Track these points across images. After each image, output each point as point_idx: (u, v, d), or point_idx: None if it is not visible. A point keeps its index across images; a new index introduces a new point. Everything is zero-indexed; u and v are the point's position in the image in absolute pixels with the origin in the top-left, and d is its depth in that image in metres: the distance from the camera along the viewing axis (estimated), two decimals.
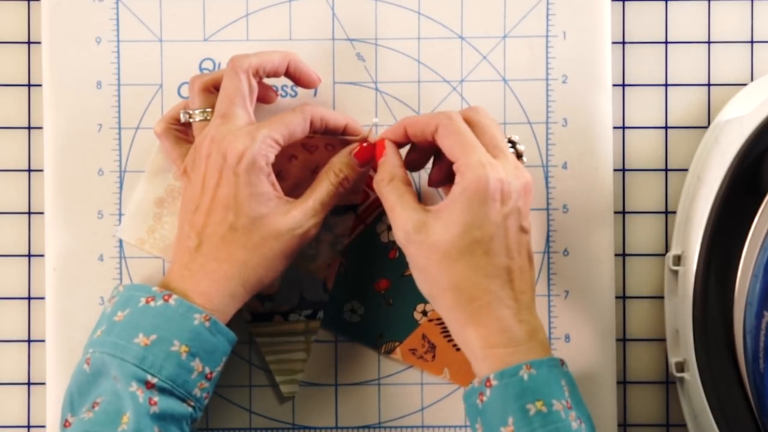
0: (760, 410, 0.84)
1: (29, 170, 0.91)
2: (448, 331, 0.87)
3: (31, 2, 0.91)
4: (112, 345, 0.79)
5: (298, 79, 0.86)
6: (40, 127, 0.91)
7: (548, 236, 0.90)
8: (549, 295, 0.90)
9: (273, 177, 0.82)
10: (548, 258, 0.90)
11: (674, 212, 0.90)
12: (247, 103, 0.83)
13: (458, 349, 0.87)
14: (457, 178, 0.79)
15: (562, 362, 0.79)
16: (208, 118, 0.84)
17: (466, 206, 0.78)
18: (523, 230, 0.80)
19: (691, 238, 0.86)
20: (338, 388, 0.90)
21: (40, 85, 0.91)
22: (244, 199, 0.80)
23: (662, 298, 0.90)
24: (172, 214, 0.89)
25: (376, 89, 0.90)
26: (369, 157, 0.85)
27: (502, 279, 0.79)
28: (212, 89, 0.84)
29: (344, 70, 0.90)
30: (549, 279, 0.90)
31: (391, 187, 0.82)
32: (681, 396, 0.88)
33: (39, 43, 0.91)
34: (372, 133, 0.86)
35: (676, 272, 0.87)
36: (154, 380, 0.78)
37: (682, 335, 0.86)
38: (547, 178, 0.90)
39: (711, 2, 0.91)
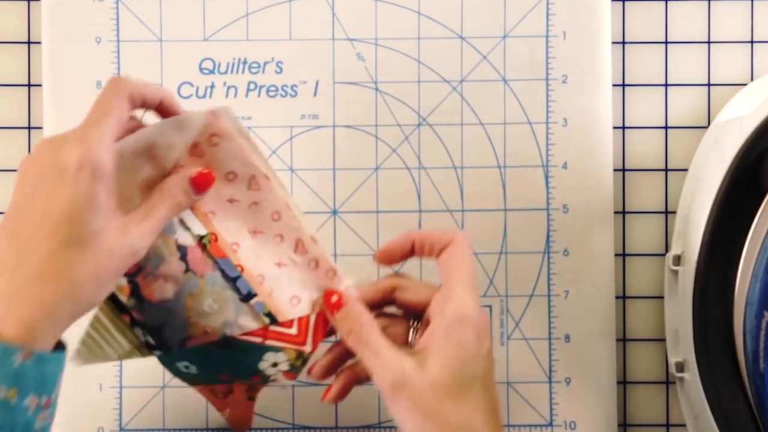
0: (760, 410, 0.84)
1: None
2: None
3: (31, 2, 0.91)
4: None
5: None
6: (40, 127, 0.91)
7: (548, 236, 0.90)
8: (549, 295, 0.90)
9: (112, 185, 0.73)
10: (548, 258, 0.90)
11: (674, 212, 0.90)
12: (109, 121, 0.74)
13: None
14: (448, 309, 0.76)
15: None
16: None
17: (459, 342, 0.75)
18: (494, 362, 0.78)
19: (691, 238, 0.86)
20: None
21: (40, 85, 0.91)
22: (82, 212, 0.71)
23: (662, 298, 0.90)
24: None
25: (376, 89, 0.90)
26: (206, 186, 0.78)
27: (497, 415, 0.76)
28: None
29: (344, 70, 0.90)
30: (549, 279, 0.90)
31: (363, 341, 0.78)
32: (681, 396, 0.88)
33: (39, 43, 0.91)
34: (211, 119, 0.79)
35: (676, 272, 0.87)
36: None
37: (682, 335, 0.86)
38: (547, 178, 0.90)
39: (711, 2, 0.91)
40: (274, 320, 0.82)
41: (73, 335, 0.77)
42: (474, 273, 0.77)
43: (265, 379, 0.83)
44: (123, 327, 0.81)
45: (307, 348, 0.83)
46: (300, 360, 0.83)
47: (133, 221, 0.74)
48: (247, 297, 0.82)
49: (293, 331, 0.83)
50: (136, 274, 0.80)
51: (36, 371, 0.70)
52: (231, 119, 0.80)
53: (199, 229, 0.81)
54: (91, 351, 0.82)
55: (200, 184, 0.78)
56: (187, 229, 0.81)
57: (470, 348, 0.75)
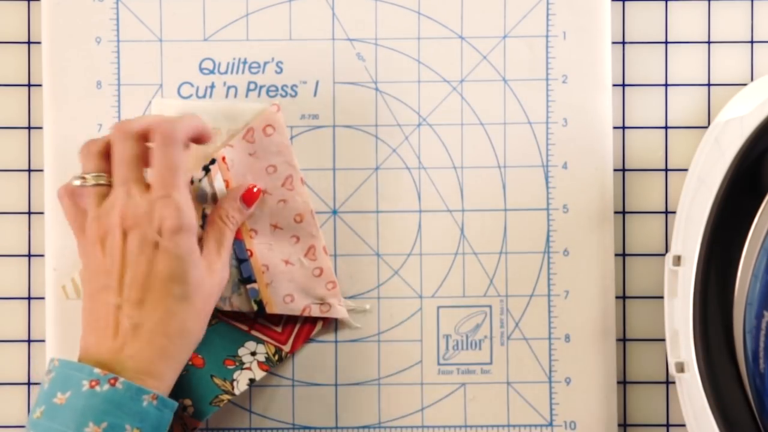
0: (760, 410, 0.84)
1: (29, 170, 0.91)
2: None
3: (31, 2, 0.91)
4: None
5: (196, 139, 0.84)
6: (40, 127, 0.91)
7: (548, 236, 0.90)
8: (549, 295, 0.90)
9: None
10: (548, 258, 0.90)
11: (674, 212, 0.90)
12: (141, 166, 0.81)
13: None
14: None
15: None
16: (101, 182, 0.82)
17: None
18: None
19: (691, 238, 0.86)
20: (338, 388, 0.90)
21: (40, 85, 0.91)
22: (186, 269, 0.80)
23: (662, 298, 0.90)
24: None
25: (376, 89, 0.90)
26: (254, 199, 0.86)
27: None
28: (106, 155, 0.82)
29: (344, 70, 0.90)
30: (549, 279, 0.90)
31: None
32: (681, 396, 0.88)
33: (39, 43, 0.91)
34: (273, 110, 0.87)
35: (676, 272, 0.87)
36: None
37: (682, 335, 0.86)
38: (547, 178, 0.90)
39: (711, 2, 0.91)
40: (262, 309, 0.88)
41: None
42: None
43: (240, 365, 0.88)
44: None
45: (287, 348, 0.89)
46: (277, 356, 0.89)
47: (213, 257, 0.83)
48: (245, 280, 0.88)
49: (278, 329, 0.90)
50: None
51: (156, 414, 0.78)
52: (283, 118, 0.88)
53: None
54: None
55: (249, 198, 0.87)
56: (216, 203, 0.87)
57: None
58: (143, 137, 0.81)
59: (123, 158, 0.81)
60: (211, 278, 0.82)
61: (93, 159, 0.82)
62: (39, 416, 0.78)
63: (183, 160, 0.81)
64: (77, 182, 0.82)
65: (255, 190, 0.87)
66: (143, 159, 0.81)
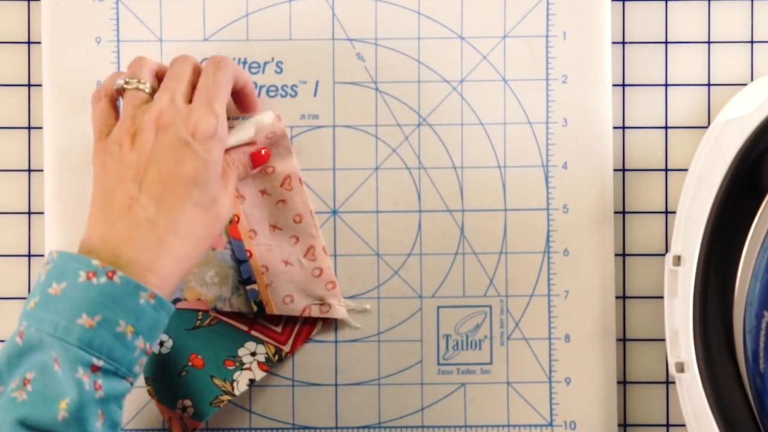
0: (760, 410, 0.84)
1: (29, 170, 0.91)
2: None
3: (31, 2, 0.91)
4: (52, 324, 0.75)
5: (241, 101, 0.87)
6: (40, 127, 0.91)
7: (548, 236, 0.90)
8: (549, 295, 0.90)
9: None
10: (548, 258, 0.90)
11: (674, 212, 0.90)
12: (190, 86, 0.83)
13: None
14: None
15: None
16: (140, 88, 0.82)
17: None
18: None
19: (691, 238, 0.86)
20: (338, 388, 0.90)
21: (40, 85, 0.91)
22: (210, 177, 0.79)
23: (662, 298, 0.90)
24: None
25: (376, 89, 0.90)
26: (262, 162, 0.86)
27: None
28: (156, 74, 0.84)
29: (344, 70, 0.90)
30: (549, 279, 0.90)
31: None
32: (681, 396, 0.88)
33: (39, 43, 0.91)
34: (275, 120, 0.88)
35: (676, 272, 0.87)
36: (100, 363, 0.75)
37: (682, 335, 0.86)
38: (547, 178, 0.90)
39: (711, 2, 0.91)
40: (262, 309, 0.88)
41: None
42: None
43: (240, 366, 0.88)
44: None
45: (287, 348, 0.89)
46: (277, 356, 0.89)
47: (227, 191, 0.82)
48: (245, 281, 0.88)
49: (278, 329, 0.90)
50: None
51: (152, 315, 0.77)
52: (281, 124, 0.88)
53: None
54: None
55: (257, 160, 0.86)
56: None
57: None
58: (200, 71, 0.84)
59: (176, 74, 0.83)
60: (226, 205, 0.81)
61: (142, 70, 0.83)
62: (33, 307, 0.76)
63: (228, 86, 0.83)
64: (120, 81, 0.83)
65: (263, 152, 0.87)
66: (194, 84, 0.83)
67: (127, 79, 0.83)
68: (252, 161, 0.86)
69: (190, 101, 0.82)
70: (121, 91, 0.83)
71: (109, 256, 0.77)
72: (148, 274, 0.77)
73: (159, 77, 0.84)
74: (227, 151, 0.84)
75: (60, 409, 0.74)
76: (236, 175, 0.85)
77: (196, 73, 0.84)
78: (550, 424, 0.90)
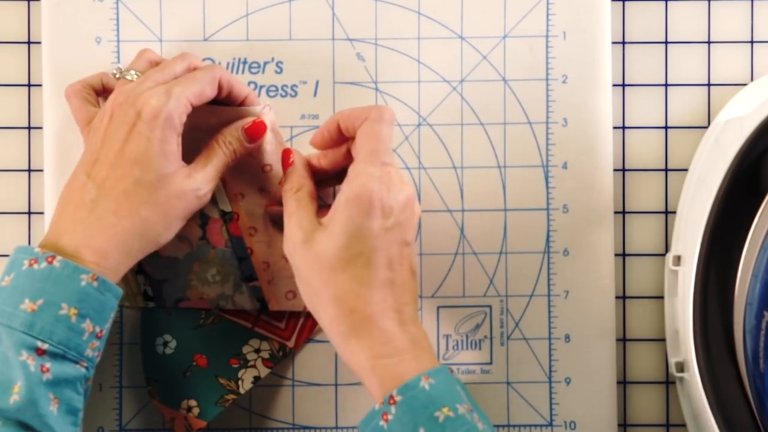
0: (760, 410, 0.84)
1: (29, 170, 0.91)
2: None
3: (31, 2, 0.91)
4: (0, 313, 0.77)
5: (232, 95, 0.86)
6: (40, 127, 0.91)
7: (548, 236, 0.90)
8: (549, 295, 0.90)
9: (180, 137, 0.81)
10: (548, 258, 0.90)
11: (674, 212, 0.90)
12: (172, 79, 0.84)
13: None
14: (344, 185, 0.80)
15: (450, 370, 0.80)
16: (128, 78, 0.83)
17: (348, 218, 0.79)
18: (406, 244, 0.80)
19: (691, 238, 0.86)
20: (338, 388, 0.90)
21: (40, 85, 0.91)
22: (154, 155, 0.79)
23: (662, 298, 0.90)
24: None
25: (376, 89, 0.90)
26: (258, 135, 0.85)
27: (384, 291, 0.79)
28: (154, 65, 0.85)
29: (344, 70, 0.90)
30: (549, 279, 0.90)
31: (296, 196, 0.82)
32: (681, 396, 0.88)
33: (39, 43, 0.91)
34: (266, 111, 0.86)
35: (676, 272, 0.87)
36: (45, 346, 0.76)
37: (682, 335, 0.86)
38: (547, 178, 0.90)
39: (711, 2, 0.91)
40: (265, 306, 0.89)
41: None
42: (384, 147, 0.81)
43: (244, 363, 0.88)
44: (128, 272, 0.85)
45: (291, 343, 0.90)
46: (281, 352, 0.89)
47: (197, 168, 0.82)
48: (247, 278, 0.88)
49: (282, 325, 0.90)
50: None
51: (97, 297, 0.78)
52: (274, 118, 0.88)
53: (226, 206, 0.88)
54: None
55: (253, 133, 0.85)
56: (215, 202, 0.87)
57: (357, 224, 0.79)
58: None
59: (164, 67, 0.83)
60: (185, 182, 0.81)
61: (140, 61, 0.85)
62: None
63: (204, 83, 0.82)
64: (115, 72, 0.84)
65: (260, 123, 0.86)
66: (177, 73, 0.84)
67: (119, 70, 0.84)
68: (248, 135, 0.85)
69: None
70: (99, 92, 0.86)
71: (53, 241, 0.79)
72: (86, 252, 0.78)
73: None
74: (221, 130, 0.85)
75: (12, 393, 0.76)
76: (228, 153, 0.84)
77: (189, 71, 0.84)
78: (550, 424, 0.90)
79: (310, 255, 0.79)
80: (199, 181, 0.82)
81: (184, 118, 0.81)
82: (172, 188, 0.80)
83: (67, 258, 0.78)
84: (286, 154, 0.85)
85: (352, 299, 0.79)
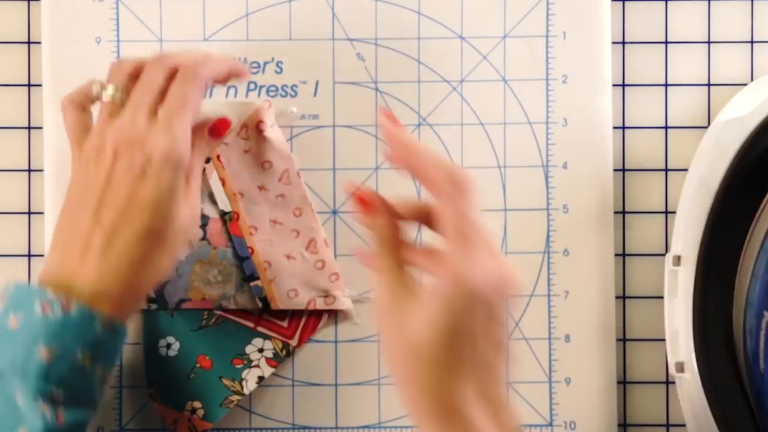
0: (760, 410, 0.84)
1: (29, 170, 0.91)
2: None
3: (31, 2, 0.91)
4: (10, 356, 0.75)
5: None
6: (40, 127, 0.91)
7: (548, 236, 0.90)
8: (549, 295, 0.90)
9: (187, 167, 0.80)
10: (548, 258, 0.90)
11: (674, 212, 0.90)
12: (159, 96, 0.81)
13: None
14: (445, 273, 0.73)
15: None
16: (113, 98, 0.81)
17: (451, 309, 0.72)
18: (491, 319, 0.73)
19: (691, 238, 0.86)
20: (338, 388, 0.90)
21: (40, 85, 0.91)
22: (164, 200, 0.78)
23: (662, 298, 0.90)
24: None
25: (376, 89, 0.90)
26: (222, 133, 0.84)
27: (465, 376, 0.72)
28: (135, 76, 0.82)
29: (344, 70, 0.90)
30: (549, 279, 0.90)
31: (385, 265, 0.76)
32: (681, 396, 0.88)
33: (39, 43, 0.91)
34: (266, 106, 0.87)
35: (676, 272, 0.87)
36: (60, 394, 0.75)
37: (682, 335, 0.86)
38: (547, 178, 0.90)
39: (711, 2, 0.91)
40: (267, 305, 0.89)
41: None
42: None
43: (248, 363, 0.88)
44: None
45: (294, 342, 0.90)
46: (284, 351, 0.89)
47: (190, 190, 0.80)
48: (249, 278, 0.88)
49: (284, 324, 0.90)
50: None
51: (110, 342, 0.77)
52: (276, 113, 0.88)
53: (225, 206, 0.88)
54: None
55: (216, 130, 0.84)
56: (214, 202, 0.88)
57: (457, 317, 0.72)
58: (175, 73, 0.81)
59: (146, 83, 0.80)
60: (186, 214, 0.80)
61: (120, 75, 0.81)
62: None
63: (195, 99, 0.80)
64: (96, 89, 0.81)
65: (223, 121, 0.84)
66: (164, 92, 0.80)
67: (101, 87, 0.81)
68: (212, 135, 0.83)
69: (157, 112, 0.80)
70: (95, 99, 0.83)
71: (65, 283, 0.77)
72: (101, 299, 0.77)
73: (137, 76, 0.82)
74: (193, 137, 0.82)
75: None
76: (199, 158, 0.82)
77: (171, 77, 0.81)
78: (550, 424, 0.90)
79: (401, 332, 0.73)
80: (195, 203, 0.81)
81: (190, 150, 0.80)
82: (178, 226, 0.79)
83: (82, 302, 0.76)
84: (366, 200, 0.78)
85: (442, 392, 0.72)
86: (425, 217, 0.77)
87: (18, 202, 0.91)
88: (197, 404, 0.87)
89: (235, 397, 0.88)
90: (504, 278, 0.73)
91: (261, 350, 0.89)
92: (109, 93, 0.81)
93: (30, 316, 0.76)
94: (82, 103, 0.83)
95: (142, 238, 0.78)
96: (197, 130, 0.82)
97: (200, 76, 0.81)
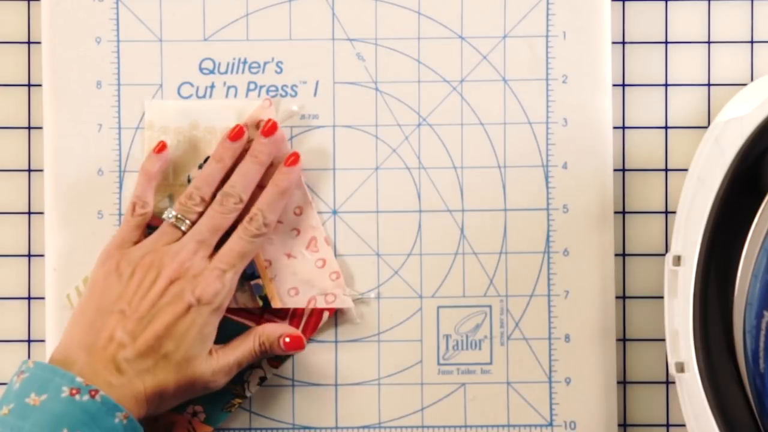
0: (760, 410, 0.84)
1: (29, 170, 0.91)
2: None
3: (31, 2, 0.91)
4: None
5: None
6: (40, 127, 0.91)
7: (548, 236, 0.90)
8: (549, 295, 0.90)
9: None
10: (548, 258, 0.90)
11: (674, 212, 0.90)
12: (220, 234, 0.86)
13: None
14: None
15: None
16: (178, 225, 0.86)
17: None
18: None
19: (691, 238, 0.86)
20: (338, 388, 0.90)
21: (40, 85, 0.91)
22: (193, 338, 0.83)
23: (662, 298, 0.90)
24: None
25: (376, 89, 0.90)
26: (297, 349, 0.87)
27: None
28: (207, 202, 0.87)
29: (344, 70, 0.90)
30: (549, 279, 0.90)
31: None
32: (681, 396, 0.88)
33: (39, 43, 0.91)
34: (266, 105, 0.88)
35: (676, 272, 0.87)
36: None
37: (682, 335, 0.86)
38: (547, 178, 0.90)
39: (711, 2, 0.91)
40: (267, 304, 0.89)
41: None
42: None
43: (249, 365, 0.88)
44: None
45: None
46: None
47: (221, 355, 0.85)
48: (249, 276, 0.88)
49: (285, 322, 0.89)
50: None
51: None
52: (277, 111, 0.89)
53: None
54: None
55: (293, 347, 0.87)
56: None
57: None
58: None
59: (213, 222, 0.85)
60: (203, 368, 0.84)
61: (191, 204, 0.86)
62: (6, 413, 0.79)
63: (252, 254, 0.86)
64: (167, 215, 0.86)
65: (300, 339, 0.88)
66: (225, 227, 0.86)
67: (172, 213, 0.86)
68: (286, 347, 0.87)
69: (214, 251, 0.85)
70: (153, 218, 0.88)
71: (89, 375, 0.81)
72: (124, 401, 0.81)
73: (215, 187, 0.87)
74: (262, 323, 0.88)
75: None
76: (256, 351, 0.86)
77: (235, 215, 0.86)
78: (550, 424, 0.90)
79: None
80: (216, 373, 0.85)
81: (231, 298, 0.85)
82: (191, 371, 0.83)
83: (106, 395, 0.80)
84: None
85: None
86: None
87: (18, 202, 0.91)
88: (198, 408, 0.87)
89: (237, 401, 0.88)
90: None
91: None
92: (178, 222, 0.86)
93: (55, 397, 0.79)
94: (157, 180, 0.88)
95: (158, 361, 0.82)
96: (272, 328, 0.87)
97: (263, 236, 0.86)
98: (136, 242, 0.86)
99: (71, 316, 0.84)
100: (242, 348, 0.86)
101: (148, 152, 0.88)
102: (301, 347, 0.87)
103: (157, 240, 0.86)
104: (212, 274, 0.84)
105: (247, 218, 0.86)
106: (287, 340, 0.87)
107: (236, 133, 0.87)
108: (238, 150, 0.87)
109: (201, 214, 0.86)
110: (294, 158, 0.87)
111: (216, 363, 0.84)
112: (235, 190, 0.86)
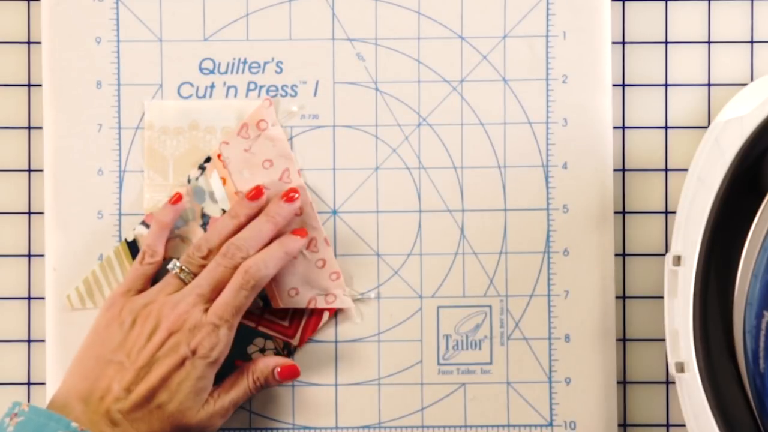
0: (760, 410, 0.84)
1: (29, 170, 0.91)
2: None
3: (31, 2, 0.91)
4: None
5: None
6: (40, 127, 0.91)
7: (548, 236, 0.90)
8: (549, 295, 0.90)
9: None
10: (548, 258, 0.90)
11: (674, 212, 0.90)
12: (220, 288, 0.86)
13: None
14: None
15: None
16: (182, 278, 0.86)
17: None
18: None
19: (691, 238, 0.86)
20: (338, 388, 0.90)
21: (40, 85, 0.91)
22: (187, 391, 0.84)
23: (662, 298, 0.90)
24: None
25: (376, 89, 0.90)
26: (291, 378, 0.88)
27: None
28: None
29: (344, 70, 0.90)
30: (549, 279, 0.90)
31: None
32: (681, 396, 0.88)
33: (39, 43, 0.91)
34: (266, 104, 0.88)
35: (676, 272, 0.87)
36: None
37: (682, 335, 0.86)
38: (547, 178, 0.90)
39: (711, 2, 0.91)
40: (267, 304, 0.89)
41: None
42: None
43: None
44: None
45: (295, 341, 0.90)
46: (286, 350, 0.89)
47: (216, 397, 0.86)
48: None
49: (285, 323, 0.90)
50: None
51: None
52: (277, 111, 0.89)
53: (225, 205, 0.88)
54: (89, 291, 0.89)
55: (286, 376, 0.88)
56: (215, 202, 0.88)
57: None
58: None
59: (212, 276, 0.85)
60: (198, 415, 0.85)
61: (201, 258, 0.87)
62: None
63: (246, 306, 0.85)
64: (171, 267, 0.86)
65: (294, 368, 0.88)
66: (224, 284, 0.85)
67: (181, 265, 0.86)
68: (281, 377, 0.88)
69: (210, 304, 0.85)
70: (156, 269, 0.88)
71: (84, 424, 0.81)
72: None
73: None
74: (254, 361, 0.88)
75: None
76: (250, 387, 0.87)
77: (235, 269, 0.85)
78: (550, 424, 0.90)
79: None
80: (213, 416, 0.85)
81: (228, 352, 0.85)
82: (186, 419, 0.84)
83: None
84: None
85: None
86: None
87: (18, 202, 0.91)
88: None
89: None
90: None
91: (263, 350, 0.89)
92: (182, 274, 0.86)
93: None
94: (156, 268, 0.88)
95: (152, 411, 0.83)
96: (263, 363, 0.88)
97: (261, 285, 0.85)
98: (141, 290, 0.87)
99: (73, 359, 0.85)
100: (237, 388, 0.86)
101: (164, 204, 0.88)
102: (296, 374, 0.88)
103: (160, 290, 0.86)
104: (207, 328, 0.84)
105: (243, 269, 0.85)
106: (279, 370, 0.87)
107: (255, 194, 0.88)
108: (255, 209, 0.88)
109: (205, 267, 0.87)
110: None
111: (212, 408, 0.85)
112: (244, 244, 0.86)
